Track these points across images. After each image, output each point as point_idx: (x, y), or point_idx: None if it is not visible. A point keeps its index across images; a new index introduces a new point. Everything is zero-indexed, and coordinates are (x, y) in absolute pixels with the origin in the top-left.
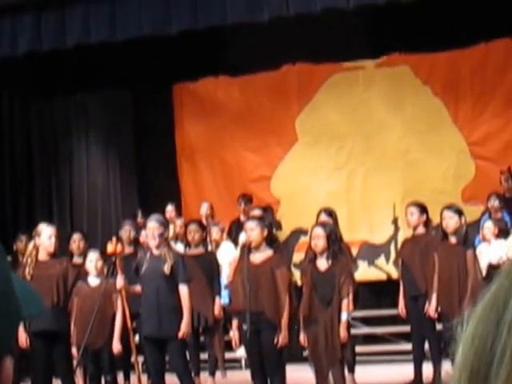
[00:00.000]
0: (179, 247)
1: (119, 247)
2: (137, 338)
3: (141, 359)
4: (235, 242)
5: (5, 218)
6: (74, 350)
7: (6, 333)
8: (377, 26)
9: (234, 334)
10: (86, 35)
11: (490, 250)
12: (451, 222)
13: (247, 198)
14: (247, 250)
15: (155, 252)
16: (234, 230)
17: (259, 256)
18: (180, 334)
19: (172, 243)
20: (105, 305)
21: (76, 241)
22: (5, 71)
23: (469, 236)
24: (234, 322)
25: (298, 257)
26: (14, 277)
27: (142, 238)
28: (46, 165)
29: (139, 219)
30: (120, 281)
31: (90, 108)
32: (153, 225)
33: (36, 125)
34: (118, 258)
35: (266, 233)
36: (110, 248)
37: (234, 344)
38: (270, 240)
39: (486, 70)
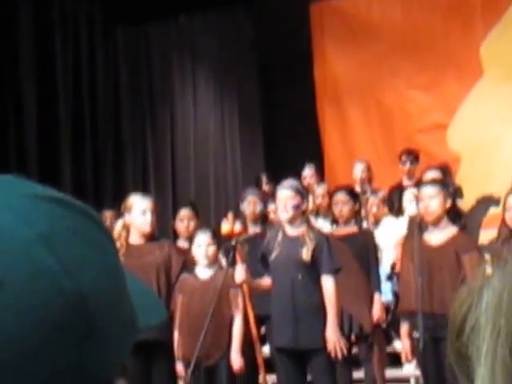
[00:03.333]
0: (322, 224)
1: (238, 227)
2: (266, 349)
3: (272, 378)
4: (397, 214)
5: (84, 187)
6: (179, 367)
7: (118, 350)
8: None
9: (403, 344)
10: None
11: None
12: None
13: (413, 156)
14: (419, 226)
15: (290, 231)
16: (394, 199)
17: (439, 235)
18: (329, 348)
19: (312, 219)
20: (221, 305)
21: (184, 219)
22: None
23: None
24: (404, 327)
25: (485, 235)
26: (128, 276)
27: (271, 214)
28: (139, 113)
29: (264, 186)
30: (240, 272)
31: (198, 35)
32: (285, 193)
33: (124, 58)
34: (237, 242)
35: (449, 203)
36: (224, 228)
37: (403, 357)
38: (454, 213)
39: None
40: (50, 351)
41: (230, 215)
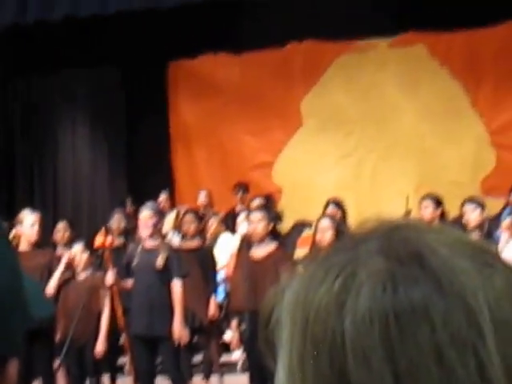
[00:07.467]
0: (174, 239)
1: (109, 239)
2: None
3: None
4: (232, 232)
5: None
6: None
7: (12, 331)
8: (391, 1)
9: (233, 335)
10: (75, 7)
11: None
12: (473, 216)
13: (244, 187)
14: (247, 243)
15: (148, 244)
16: (229, 221)
17: (262, 250)
18: (175, 337)
19: (167, 234)
20: (91, 301)
21: (61, 230)
22: None
23: (491, 232)
24: (234, 322)
25: (300, 252)
26: (25, 277)
27: (133, 229)
28: (28, 149)
29: (128, 208)
30: (110, 276)
31: (77, 88)
32: (146, 213)
33: (16, 106)
34: (107, 252)
35: (271, 226)
36: (98, 240)
37: (233, 345)
38: (274, 233)
39: (509, 51)
40: None
41: (103, 231)
